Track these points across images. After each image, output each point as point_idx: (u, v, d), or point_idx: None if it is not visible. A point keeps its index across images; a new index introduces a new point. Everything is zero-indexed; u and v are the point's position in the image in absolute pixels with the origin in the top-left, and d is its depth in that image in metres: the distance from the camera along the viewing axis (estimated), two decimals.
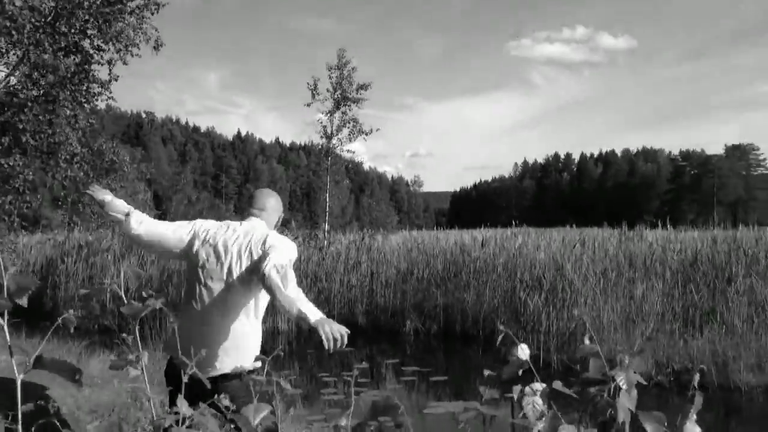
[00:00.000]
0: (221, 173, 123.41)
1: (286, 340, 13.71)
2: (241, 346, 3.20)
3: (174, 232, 3.22)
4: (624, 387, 1.65)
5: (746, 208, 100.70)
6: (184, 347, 2.45)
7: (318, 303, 14.94)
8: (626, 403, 1.62)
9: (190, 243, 3.20)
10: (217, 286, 3.11)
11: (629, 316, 10.79)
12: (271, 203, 3.45)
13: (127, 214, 3.17)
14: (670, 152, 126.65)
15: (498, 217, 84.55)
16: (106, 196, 3.19)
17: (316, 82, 18.46)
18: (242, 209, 3.43)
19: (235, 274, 3.12)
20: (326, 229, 18.34)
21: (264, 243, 3.16)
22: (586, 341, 1.69)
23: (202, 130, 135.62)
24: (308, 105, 18.54)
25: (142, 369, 1.64)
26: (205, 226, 3.26)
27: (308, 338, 13.91)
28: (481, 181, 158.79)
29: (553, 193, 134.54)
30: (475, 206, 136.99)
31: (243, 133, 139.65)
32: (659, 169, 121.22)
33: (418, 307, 14.21)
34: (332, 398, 8.39)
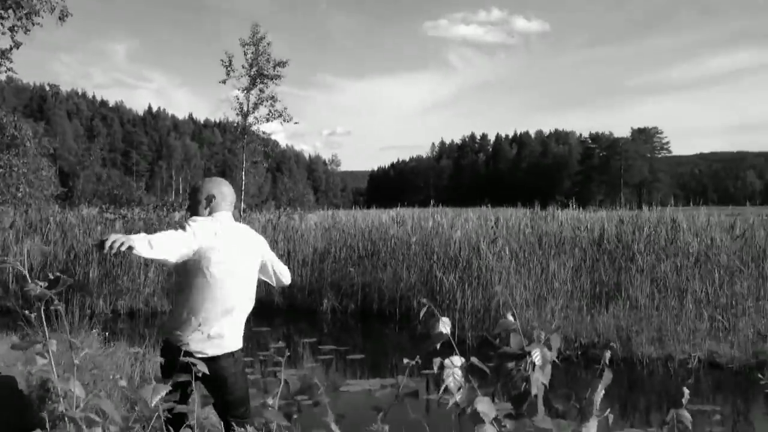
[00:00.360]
0: (132, 150, 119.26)
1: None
2: (243, 328, 3.73)
3: (184, 241, 3.35)
4: (539, 363, 1.68)
5: (650, 189, 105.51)
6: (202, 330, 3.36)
7: None
8: (540, 377, 1.66)
9: (208, 243, 3.43)
10: (239, 279, 3.58)
11: (540, 294, 11.11)
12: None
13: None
14: (580, 134, 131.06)
15: (416, 196, 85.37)
16: (132, 244, 3.03)
17: (231, 58, 17.99)
18: (214, 204, 3.66)
19: (253, 269, 3.75)
20: (242, 208, 18.02)
21: (259, 243, 3.92)
22: (509, 317, 1.71)
23: (110, 105, 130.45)
24: (223, 82, 18.11)
25: (50, 356, 1.59)
26: (210, 226, 3.52)
27: None
28: (398, 160, 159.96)
29: (470, 173, 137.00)
30: (392, 186, 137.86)
31: (154, 109, 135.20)
32: (570, 151, 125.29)
33: (335, 286, 14.20)
34: (249, 378, 8.26)
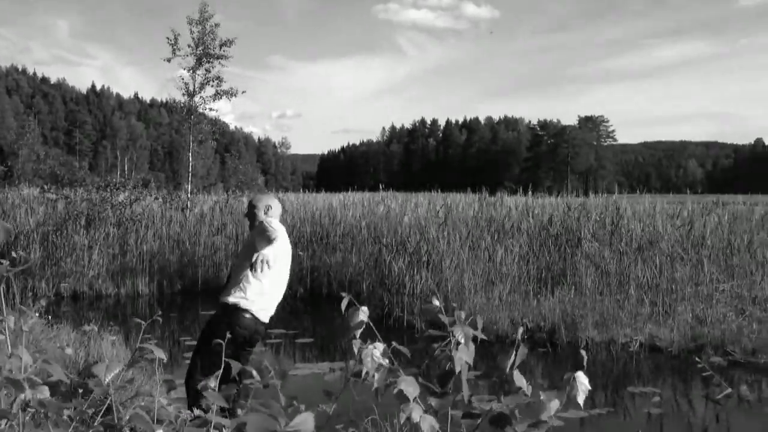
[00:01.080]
0: (75, 128, 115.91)
1: (147, 304, 13.22)
2: None
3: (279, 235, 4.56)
4: (462, 341, 1.71)
5: (596, 177, 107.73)
6: (269, 306, 4.89)
7: (182, 265, 14.52)
8: (463, 356, 1.69)
9: (280, 239, 4.57)
10: (287, 266, 5.09)
11: (489, 278, 11.25)
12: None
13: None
14: (529, 121, 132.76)
15: (366, 181, 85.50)
16: (268, 257, 4.49)
17: (177, 36, 17.53)
18: (271, 212, 5.11)
19: (290, 260, 5.14)
20: (189, 189, 17.70)
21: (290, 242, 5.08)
22: (434, 301, 1.75)
23: (52, 82, 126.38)
24: (168, 60, 17.61)
25: (6, 333, 1.59)
26: (281, 227, 4.70)
27: (171, 301, 13.48)
28: (349, 144, 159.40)
29: (420, 158, 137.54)
30: (343, 170, 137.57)
31: (98, 87, 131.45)
32: (519, 138, 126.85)
33: None
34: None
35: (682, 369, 8.15)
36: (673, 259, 11.27)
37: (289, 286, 14.56)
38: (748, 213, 14.61)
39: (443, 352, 1.72)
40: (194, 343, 9.42)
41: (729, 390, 7.01)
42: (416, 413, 1.56)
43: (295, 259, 14.09)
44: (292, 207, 17.33)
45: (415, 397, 1.55)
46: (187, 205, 17.09)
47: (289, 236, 15.51)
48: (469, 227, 12.93)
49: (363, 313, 1.79)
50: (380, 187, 23.68)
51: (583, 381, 1.72)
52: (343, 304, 1.78)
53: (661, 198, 21.51)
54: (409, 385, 1.58)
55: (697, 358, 8.06)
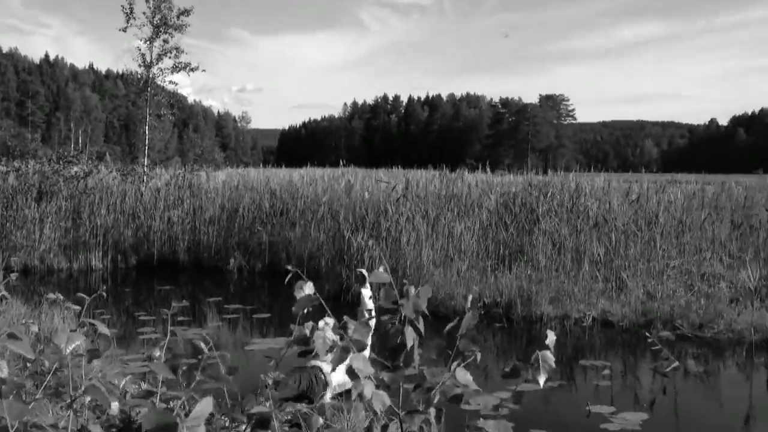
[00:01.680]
0: (27, 99, 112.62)
1: (101, 278, 13.01)
2: None
3: None
4: (411, 315, 1.70)
5: (556, 155, 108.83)
6: None
7: (137, 240, 14.29)
8: (413, 331, 1.68)
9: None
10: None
11: (448, 254, 11.32)
12: None
13: None
14: (491, 99, 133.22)
15: (327, 156, 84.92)
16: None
17: (132, 4, 17.01)
18: None
19: None
20: (146, 163, 17.35)
21: None
22: (380, 270, 1.73)
23: (3, 51, 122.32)
24: (123, 30, 17.10)
25: None
26: None
27: (126, 276, 13.28)
28: (310, 120, 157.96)
29: (382, 134, 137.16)
30: (304, 145, 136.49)
31: (52, 57, 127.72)
32: (481, 115, 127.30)
33: (242, 245, 14.00)
34: (150, 337, 8.07)
35: (632, 343, 8.34)
36: (627, 236, 11.48)
37: (247, 261, 14.45)
38: (700, 192, 14.93)
39: (393, 326, 1.71)
40: (149, 317, 9.34)
41: (676, 363, 7.21)
42: (368, 389, 1.55)
43: (254, 235, 14.06)
44: (252, 182, 17.15)
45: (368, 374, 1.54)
46: (143, 179, 16.77)
47: (248, 211, 15.27)
48: (429, 203, 12.96)
49: (309, 288, 1.76)
50: (341, 162, 23.56)
51: (548, 360, 1.72)
52: (287, 278, 1.74)
53: (618, 177, 21.87)
54: (360, 362, 1.57)
55: (647, 333, 8.26)
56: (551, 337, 1.73)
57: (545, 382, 1.67)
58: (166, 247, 14.27)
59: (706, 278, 10.44)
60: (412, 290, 1.77)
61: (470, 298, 1.80)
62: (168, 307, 9.84)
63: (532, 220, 12.28)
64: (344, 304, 10.62)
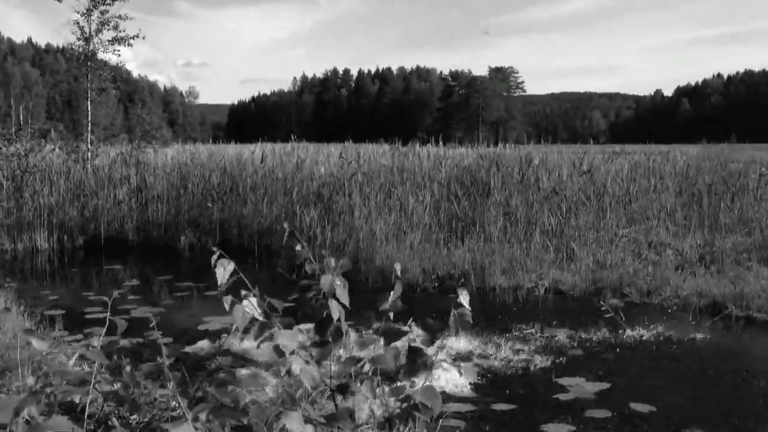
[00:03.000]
0: None
1: (47, 259, 12.66)
2: None
3: None
4: (327, 290, 1.71)
5: (506, 128, 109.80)
6: None
7: (83, 219, 13.92)
8: (337, 304, 1.69)
9: None
10: None
11: (400, 228, 11.33)
12: None
13: None
14: (441, 72, 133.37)
15: (278, 131, 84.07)
16: None
17: None
18: None
19: None
20: (90, 140, 16.86)
21: None
22: (298, 248, 1.73)
23: None
24: (59, 0, 16.46)
25: None
26: None
27: (73, 256, 12.96)
28: (260, 94, 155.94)
29: (333, 108, 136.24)
30: (254, 120, 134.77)
31: None
32: (432, 88, 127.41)
33: (193, 222, 13.78)
34: (97, 317, 7.86)
35: (583, 310, 8.50)
36: (577, 206, 11.67)
37: (198, 239, 14.22)
38: (646, 162, 15.26)
39: (318, 301, 1.69)
40: (97, 297, 9.12)
41: (627, 329, 7.38)
42: (296, 365, 1.52)
43: (205, 212, 13.84)
44: (200, 158, 16.84)
45: (294, 350, 1.51)
46: (87, 156, 16.30)
47: (198, 187, 15.12)
48: (381, 178, 12.94)
49: (232, 266, 1.74)
50: (292, 137, 23.33)
51: (465, 316, 1.72)
52: (214, 259, 1.71)
53: (567, 148, 22.19)
54: (286, 338, 1.54)
55: (600, 302, 8.44)
56: (465, 297, 1.74)
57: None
58: (113, 225, 13.94)
59: (653, 246, 10.70)
60: (332, 263, 1.75)
61: (397, 266, 1.79)
62: (117, 287, 9.65)
63: (484, 193, 12.38)
64: (297, 280, 10.56)
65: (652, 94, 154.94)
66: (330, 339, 1.59)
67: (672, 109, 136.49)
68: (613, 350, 6.91)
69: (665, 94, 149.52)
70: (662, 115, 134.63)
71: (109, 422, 1.94)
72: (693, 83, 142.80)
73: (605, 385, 5.81)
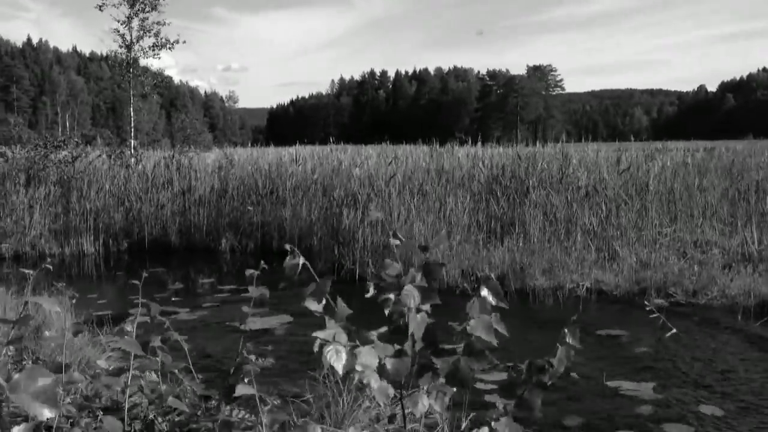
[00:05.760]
0: (11, 84, 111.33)
1: (93, 263, 12.94)
2: None
3: None
4: (410, 305, 1.63)
5: (545, 126, 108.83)
6: None
7: (128, 223, 14.20)
8: (417, 322, 1.63)
9: None
10: None
11: (438, 229, 11.29)
12: None
13: None
14: (478, 72, 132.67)
15: (316, 134, 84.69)
16: None
17: None
18: None
19: None
20: (133, 145, 17.19)
21: None
22: (387, 260, 1.67)
23: None
24: (100, 8, 16.81)
25: None
26: None
27: (118, 260, 13.22)
28: (298, 97, 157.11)
29: (370, 110, 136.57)
30: (292, 123, 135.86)
31: (34, 41, 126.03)
32: (469, 88, 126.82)
33: (233, 225, 13.95)
34: (143, 320, 7.99)
35: (627, 311, 8.36)
36: (618, 205, 11.48)
37: (239, 241, 14.36)
38: (690, 159, 14.93)
39: (396, 306, 1.65)
40: (143, 300, 9.27)
41: (674, 330, 7.24)
42: (375, 383, 1.50)
43: (245, 215, 13.99)
44: (240, 161, 17.04)
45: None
46: (131, 161, 16.64)
47: (238, 191, 15.34)
48: (419, 179, 12.91)
49: (300, 259, 1.69)
50: (330, 140, 23.45)
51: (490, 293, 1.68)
52: (288, 260, 1.66)
53: (607, 146, 21.84)
54: (368, 356, 1.52)
55: (645, 302, 8.29)
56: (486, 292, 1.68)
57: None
58: (157, 229, 14.20)
59: (698, 245, 10.47)
60: (417, 277, 1.68)
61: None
62: (161, 290, 9.82)
63: (523, 192, 12.26)
64: (338, 281, 10.61)
65: (696, 89, 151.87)
66: (408, 352, 1.56)
67: (716, 105, 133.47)
68: (662, 351, 6.77)
69: (709, 90, 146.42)
70: (706, 111, 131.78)
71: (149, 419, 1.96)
72: (738, 78, 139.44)
73: (661, 387, 5.69)
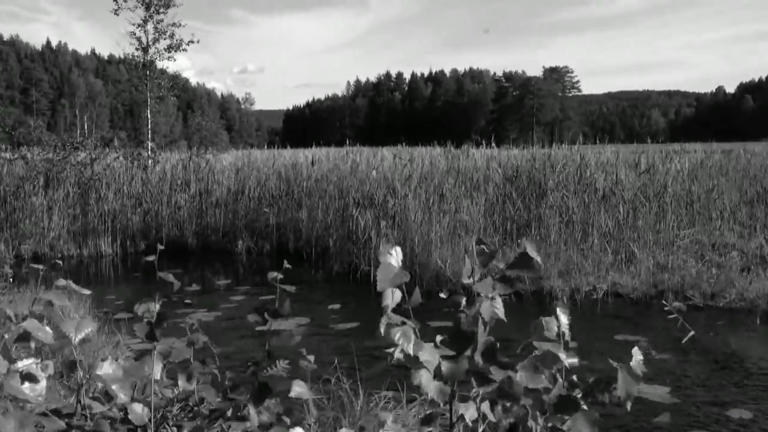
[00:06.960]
0: (30, 87, 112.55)
1: (111, 264, 13.05)
2: None
3: None
4: (486, 317, 1.63)
5: (561, 128, 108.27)
6: None
7: (145, 225, 14.31)
8: (484, 333, 1.63)
9: None
10: None
11: (455, 230, 11.28)
12: None
13: None
14: (494, 73, 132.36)
15: (332, 135, 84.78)
16: None
17: None
18: None
19: None
20: (150, 147, 17.32)
21: None
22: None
23: (4, 38, 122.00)
24: (115, 12, 16.96)
25: None
26: None
27: (135, 261, 13.32)
28: (314, 99, 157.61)
29: (386, 112, 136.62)
30: (308, 125, 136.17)
31: (53, 43, 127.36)
32: (485, 90, 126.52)
33: (250, 226, 14.01)
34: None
35: (645, 314, 8.31)
36: (635, 207, 11.41)
37: (255, 243, 14.42)
38: (708, 161, 14.81)
39: (464, 312, 1.64)
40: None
41: (692, 333, 7.18)
42: (427, 381, 1.51)
43: (261, 216, 14.06)
44: (256, 163, 17.11)
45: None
46: (148, 163, 16.76)
47: (254, 192, 15.37)
48: (435, 180, 12.90)
49: (397, 254, 1.60)
50: (346, 141, 23.49)
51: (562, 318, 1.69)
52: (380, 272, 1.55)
53: (624, 148, 21.69)
54: (428, 354, 1.53)
55: (664, 302, 8.22)
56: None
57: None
58: (174, 230, 14.29)
59: (716, 248, 10.38)
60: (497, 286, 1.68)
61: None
62: (178, 292, 9.88)
63: (539, 194, 12.21)
64: (353, 282, 10.65)
65: (714, 90, 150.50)
66: (467, 358, 1.57)
67: (735, 106, 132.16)
68: (682, 354, 6.72)
69: (727, 91, 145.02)
70: (724, 113, 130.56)
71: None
72: (757, 79, 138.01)
73: (680, 391, 5.65)
